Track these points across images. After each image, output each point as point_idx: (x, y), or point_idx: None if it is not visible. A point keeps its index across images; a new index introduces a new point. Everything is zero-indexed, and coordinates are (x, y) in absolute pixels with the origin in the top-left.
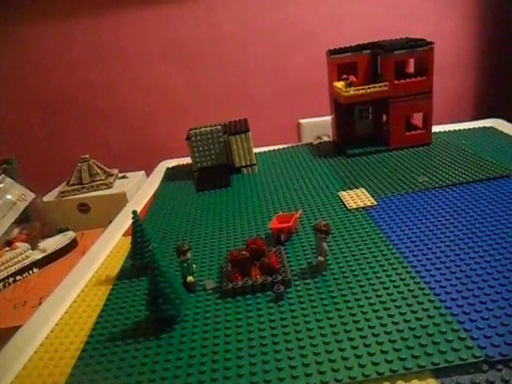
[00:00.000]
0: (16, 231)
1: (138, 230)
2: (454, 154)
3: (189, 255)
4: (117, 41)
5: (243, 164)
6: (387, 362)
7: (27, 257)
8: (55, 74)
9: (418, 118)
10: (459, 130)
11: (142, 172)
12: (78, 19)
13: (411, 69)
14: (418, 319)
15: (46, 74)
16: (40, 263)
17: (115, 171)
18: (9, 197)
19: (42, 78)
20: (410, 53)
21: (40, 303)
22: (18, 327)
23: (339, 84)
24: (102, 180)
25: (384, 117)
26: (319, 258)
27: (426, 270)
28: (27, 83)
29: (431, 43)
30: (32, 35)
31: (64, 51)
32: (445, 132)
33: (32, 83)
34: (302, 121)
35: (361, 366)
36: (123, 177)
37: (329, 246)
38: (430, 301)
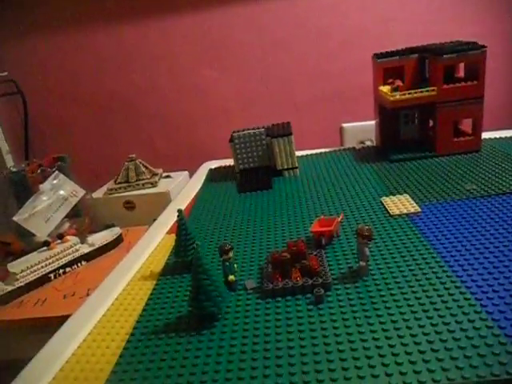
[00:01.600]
0: (67, 225)
1: (182, 228)
2: (504, 162)
3: (231, 254)
4: (165, 45)
5: (285, 167)
6: (429, 371)
7: (77, 250)
8: (106, 78)
9: (466, 124)
10: (511, 137)
11: (186, 172)
12: (129, 25)
13: (461, 73)
14: (462, 330)
15: (98, 78)
16: (88, 256)
17: (160, 171)
18: (62, 192)
19: (93, 81)
20: (461, 57)
21: (88, 294)
22: (68, 316)
23: (385, 88)
24: (147, 179)
25: (430, 122)
26: (361, 262)
27: (472, 281)
28: (80, 86)
29: (483, 46)
30: (85, 41)
31: (115, 56)
32: (495, 139)
33: (85, 85)
34: (344, 125)
35: (402, 373)
36: (167, 176)
37: (370, 251)
38: (475, 312)
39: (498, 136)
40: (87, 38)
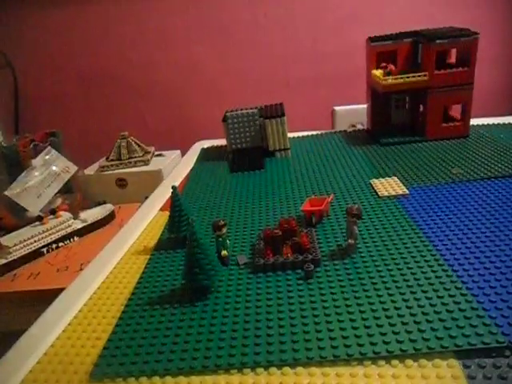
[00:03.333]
0: (59, 201)
1: (176, 205)
2: (491, 148)
3: (224, 230)
4: (157, 22)
5: (277, 148)
6: (411, 340)
7: (69, 225)
8: (98, 52)
9: (456, 110)
10: (499, 123)
11: (178, 151)
12: (121, 1)
13: (453, 59)
14: (443, 304)
15: (90, 52)
16: (80, 232)
17: (152, 149)
18: (54, 168)
19: (85, 55)
20: (453, 42)
21: (81, 269)
22: (62, 289)
23: (377, 72)
24: (139, 157)
25: (421, 107)
26: (349, 240)
27: (455, 259)
28: (71, 60)
29: (476, 33)
30: (77, 14)
31: (106, 30)
32: (483, 125)
33: (76, 60)
34: (336, 108)
35: (385, 342)
36: (159, 155)
37: (359, 231)
38: (456, 288)
39: (485, 123)
40: (79, 12)
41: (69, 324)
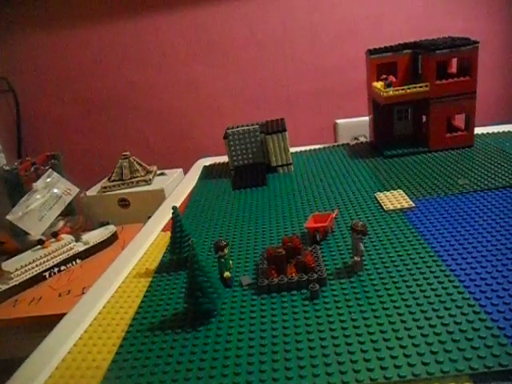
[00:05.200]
0: (61, 224)
1: (177, 226)
2: (496, 157)
3: (226, 251)
4: (157, 42)
5: (279, 163)
6: (424, 364)
7: (71, 248)
8: (99, 74)
9: (459, 120)
10: (503, 132)
11: (180, 169)
12: (121, 23)
13: (454, 69)
14: (456, 323)
15: (91, 74)
16: (83, 255)
17: (154, 168)
18: (55, 191)
19: (86, 77)
20: (453, 52)
21: (83, 293)
22: (63, 314)
23: (378, 84)
24: (141, 176)
25: (424, 118)
26: (355, 258)
27: (466, 274)
28: (72, 83)
29: (476, 42)
30: (78, 37)
31: (107, 53)
32: (488, 134)
33: (77, 83)
34: (338, 121)
35: (396, 366)
36: (161, 174)
37: (365, 246)
38: (469, 305)
39: (490, 131)
40: (80, 35)
41: (68, 352)
